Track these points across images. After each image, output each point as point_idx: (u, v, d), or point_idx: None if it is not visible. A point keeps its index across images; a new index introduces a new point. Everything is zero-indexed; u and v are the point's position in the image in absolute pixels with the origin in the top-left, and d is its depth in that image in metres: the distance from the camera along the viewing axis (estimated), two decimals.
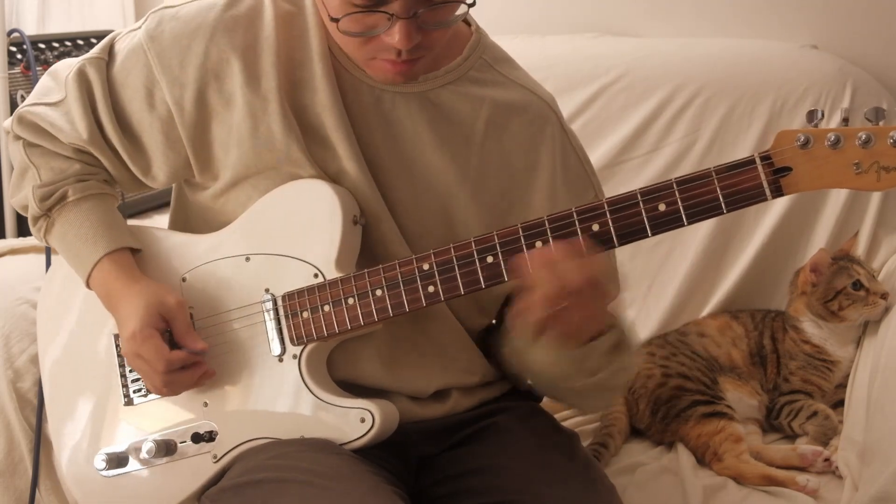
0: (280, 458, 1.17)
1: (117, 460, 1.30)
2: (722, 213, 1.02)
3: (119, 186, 1.35)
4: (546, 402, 1.43)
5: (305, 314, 1.20)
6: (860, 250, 1.84)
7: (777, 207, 1.88)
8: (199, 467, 1.26)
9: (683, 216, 1.03)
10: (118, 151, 1.29)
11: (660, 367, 1.76)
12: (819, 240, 1.88)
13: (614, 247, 1.06)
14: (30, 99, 1.32)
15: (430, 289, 1.13)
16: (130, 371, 1.32)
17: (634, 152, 1.97)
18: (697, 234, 1.91)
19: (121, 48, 1.28)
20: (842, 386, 1.73)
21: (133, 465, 1.31)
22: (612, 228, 1.05)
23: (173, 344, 1.23)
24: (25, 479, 1.54)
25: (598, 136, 1.98)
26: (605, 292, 1.09)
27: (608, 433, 1.69)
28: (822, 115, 1.01)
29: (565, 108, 1.93)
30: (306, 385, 1.21)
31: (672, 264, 1.94)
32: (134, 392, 1.32)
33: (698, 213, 1.02)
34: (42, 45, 2.01)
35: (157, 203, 2.09)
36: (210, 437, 1.26)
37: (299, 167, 1.22)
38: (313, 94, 1.22)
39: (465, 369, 1.31)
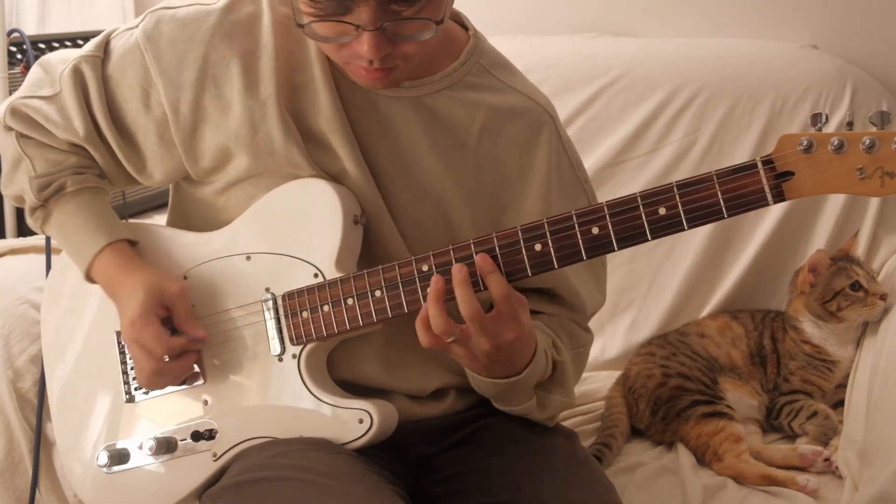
0: (280, 456, 1.18)
1: (118, 457, 1.31)
2: (723, 218, 1.01)
3: (113, 183, 1.35)
4: None
5: (305, 314, 1.20)
6: (860, 250, 1.84)
7: (777, 208, 1.88)
8: (199, 465, 1.27)
9: (684, 220, 1.02)
10: (113, 150, 1.29)
11: (660, 367, 1.76)
12: (819, 240, 1.88)
13: (613, 250, 1.06)
14: (22, 90, 1.31)
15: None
16: (132, 368, 1.32)
17: (634, 152, 1.96)
18: (697, 235, 1.91)
19: (117, 46, 1.27)
20: (842, 386, 1.73)
21: (134, 462, 1.31)
22: (611, 231, 1.05)
23: (173, 334, 1.23)
24: (25, 479, 1.54)
25: (597, 136, 1.98)
26: (492, 333, 1.10)
27: (611, 434, 1.69)
28: (826, 118, 0.99)
29: (564, 108, 1.94)
30: (305, 385, 1.21)
31: (672, 264, 1.94)
32: (135, 389, 1.32)
33: (699, 218, 1.02)
34: (42, 45, 2.01)
35: (157, 203, 2.09)
36: (210, 435, 1.26)
37: (300, 170, 1.22)
38: (313, 98, 1.22)
39: (463, 369, 1.31)
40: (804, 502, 1.48)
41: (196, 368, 1.27)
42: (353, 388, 1.25)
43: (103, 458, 1.31)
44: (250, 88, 1.21)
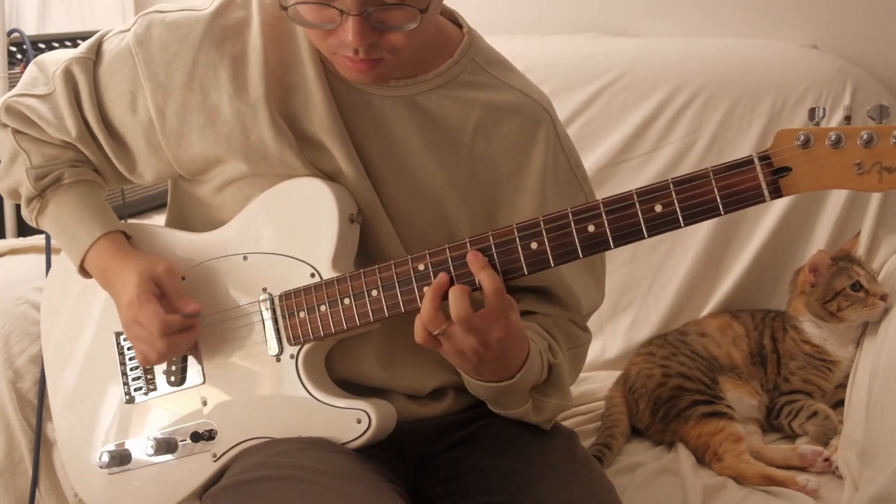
0: (279, 456, 1.18)
1: (119, 458, 1.31)
2: (719, 215, 1.00)
3: (106, 181, 1.35)
4: None
5: (302, 314, 1.20)
6: (860, 250, 1.84)
7: (777, 207, 1.88)
8: (199, 466, 1.27)
9: (680, 217, 1.01)
10: (105, 150, 1.29)
11: (660, 366, 1.75)
12: (819, 240, 1.88)
13: (610, 248, 1.05)
14: (17, 89, 1.32)
15: (426, 289, 1.12)
16: (132, 369, 1.32)
17: (634, 152, 1.96)
18: (697, 234, 1.91)
19: (108, 49, 1.28)
20: (842, 386, 1.73)
21: (134, 462, 1.31)
22: (607, 229, 1.04)
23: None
24: (25, 479, 1.54)
25: (597, 136, 1.97)
26: (479, 331, 1.09)
27: (611, 434, 1.69)
28: (824, 112, 0.98)
29: (565, 108, 1.94)
30: (303, 385, 1.21)
31: (672, 264, 1.94)
32: (135, 390, 1.32)
33: (695, 215, 1.01)
34: (42, 45, 2.01)
35: (156, 203, 2.09)
36: (210, 435, 1.26)
37: (294, 171, 1.22)
38: (306, 99, 1.22)
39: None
40: (804, 502, 1.48)
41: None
42: (352, 387, 1.25)
43: (105, 459, 1.31)
44: (239, 92, 1.21)
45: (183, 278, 1.29)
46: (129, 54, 1.24)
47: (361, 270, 1.17)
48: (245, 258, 1.26)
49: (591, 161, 1.93)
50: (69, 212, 1.29)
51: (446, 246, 1.12)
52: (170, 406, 1.30)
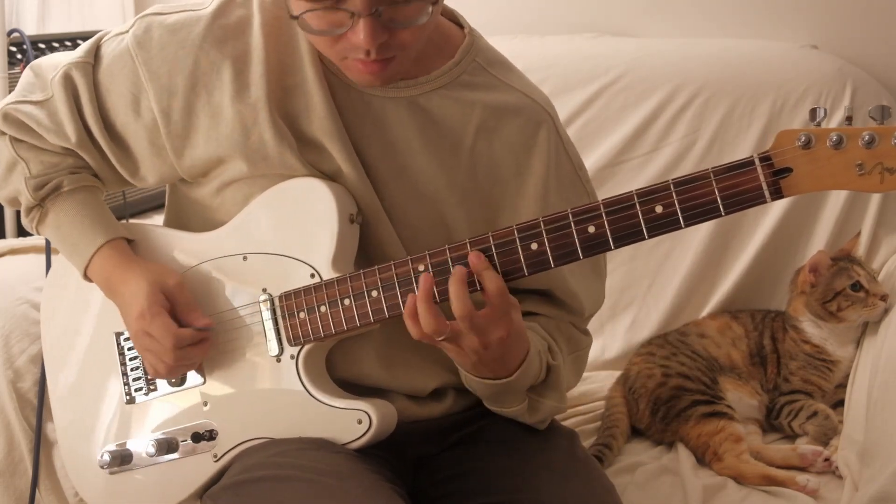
0: (280, 455, 1.18)
1: (120, 458, 1.31)
2: (720, 216, 1.00)
3: (107, 185, 1.35)
4: None
5: (302, 314, 1.20)
6: (860, 251, 1.84)
7: (777, 207, 1.88)
8: (199, 466, 1.27)
9: (680, 218, 1.01)
10: (106, 154, 1.29)
11: (660, 366, 1.75)
12: (819, 240, 1.88)
13: (610, 249, 1.05)
14: (13, 95, 1.31)
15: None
16: (132, 370, 1.32)
17: (634, 152, 1.96)
18: (697, 235, 1.91)
19: (107, 52, 1.27)
20: (842, 386, 1.73)
21: (135, 463, 1.32)
22: (607, 230, 1.04)
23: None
24: (25, 479, 1.54)
25: (597, 136, 1.97)
26: (481, 330, 1.09)
27: (611, 434, 1.69)
28: (825, 113, 0.98)
29: (565, 108, 1.94)
30: (304, 385, 1.21)
31: (672, 264, 1.94)
32: (136, 391, 1.32)
33: (696, 216, 1.00)
34: (42, 45, 2.01)
35: (156, 203, 2.09)
36: (210, 436, 1.26)
37: (294, 172, 1.22)
38: (306, 100, 1.21)
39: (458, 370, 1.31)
40: (804, 502, 1.48)
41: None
42: (352, 387, 1.25)
43: (105, 460, 1.31)
44: (240, 93, 1.21)
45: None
46: (128, 56, 1.24)
47: (361, 271, 1.16)
48: (245, 258, 1.26)
49: (590, 161, 1.93)
50: (69, 221, 1.29)
51: (446, 247, 1.11)
52: (170, 406, 1.31)
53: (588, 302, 1.35)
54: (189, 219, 1.34)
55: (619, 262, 1.94)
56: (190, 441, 1.27)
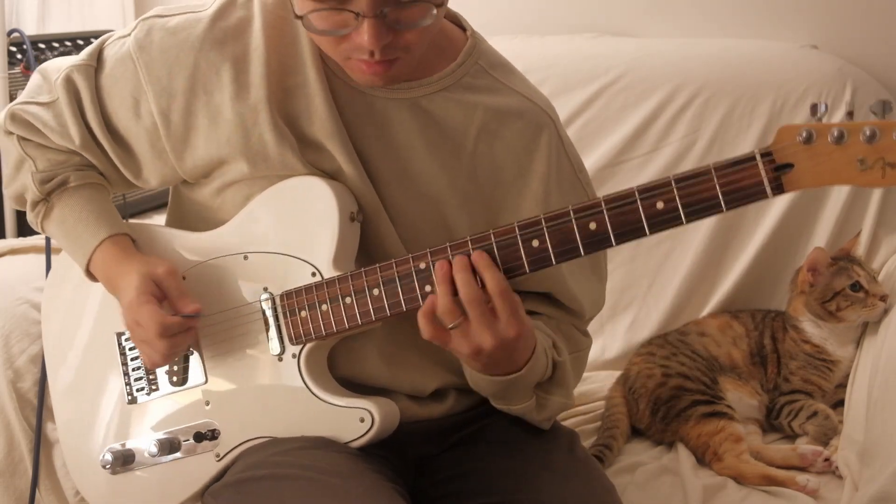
0: (281, 454, 1.18)
1: (122, 458, 1.31)
2: (721, 212, 0.99)
3: (112, 186, 1.35)
4: None
5: (304, 313, 1.20)
6: (860, 250, 1.84)
7: (777, 206, 1.88)
8: (202, 466, 1.27)
9: (682, 214, 1.00)
10: (110, 156, 1.29)
11: (660, 366, 1.75)
12: (819, 240, 1.88)
13: (611, 245, 1.05)
14: (22, 97, 1.32)
15: (427, 288, 1.12)
16: (133, 370, 1.32)
17: (634, 152, 1.96)
18: (698, 234, 1.91)
19: (109, 55, 1.27)
20: (842, 386, 1.73)
21: (137, 463, 1.31)
22: (609, 227, 1.04)
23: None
24: (25, 479, 1.54)
25: (597, 136, 1.98)
26: (494, 328, 1.09)
27: (611, 435, 1.69)
28: (826, 108, 0.97)
29: (564, 108, 1.94)
30: (306, 384, 1.21)
31: (672, 264, 1.94)
32: (137, 390, 1.32)
33: (697, 212, 1.00)
34: (42, 45, 2.01)
35: (157, 203, 2.09)
36: (213, 435, 1.26)
37: (295, 172, 1.22)
38: (307, 100, 1.21)
39: (464, 369, 1.31)
40: (804, 502, 1.48)
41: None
42: (354, 386, 1.25)
43: (107, 460, 1.31)
44: (241, 94, 1.21)
45: (183, 278, 1.28)
46: (130, 59, 1.24)
47: (363, 269, 1.16)
48: (245, 257, 1.26)
49: (590, 161, 1.93)
50: (74, 214, 1.29)
51: (448, 244, 1.11)
52: (172, 406, 1.30)
53: (588, 304, 1.35)
54: (190, 219, 1.34)
55: (619, 262, 1.94)
56: (192, 441, 1.27)
